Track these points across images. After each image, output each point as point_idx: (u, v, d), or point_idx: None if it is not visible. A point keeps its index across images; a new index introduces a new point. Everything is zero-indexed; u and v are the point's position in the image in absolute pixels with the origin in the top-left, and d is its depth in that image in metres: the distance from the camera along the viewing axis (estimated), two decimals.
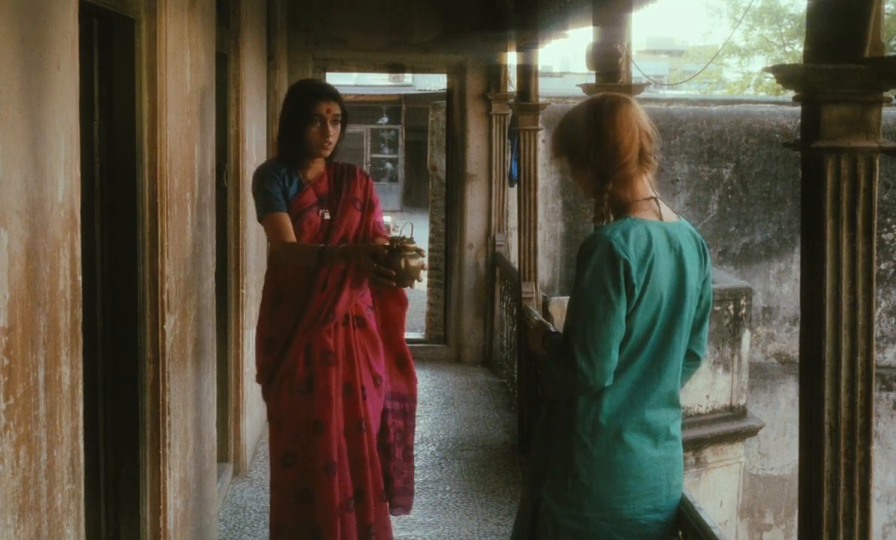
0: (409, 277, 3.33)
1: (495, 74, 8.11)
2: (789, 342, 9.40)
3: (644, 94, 8.85)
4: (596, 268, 2.35)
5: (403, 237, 3.35)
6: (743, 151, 9.38)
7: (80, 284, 2.36)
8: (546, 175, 8.74)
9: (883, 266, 9.29)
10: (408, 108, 26.97)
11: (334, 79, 10.83)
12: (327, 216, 3.65)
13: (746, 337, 7.45)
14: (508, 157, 8.09)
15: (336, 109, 3.61)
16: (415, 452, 4.13)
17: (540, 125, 6.29)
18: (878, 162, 1.89)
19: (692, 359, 2.58)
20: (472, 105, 8.25)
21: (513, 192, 7.90)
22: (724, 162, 9.38)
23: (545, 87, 7.30)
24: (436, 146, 9.18)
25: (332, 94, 3.63)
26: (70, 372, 2.28)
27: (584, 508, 2.45)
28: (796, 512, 2.25)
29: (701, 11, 76.25)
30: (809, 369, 1.94)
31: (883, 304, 9.35)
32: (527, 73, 6.24)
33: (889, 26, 17.36)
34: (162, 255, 3.17)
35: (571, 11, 5.10)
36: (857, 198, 1.88)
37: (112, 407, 3.14)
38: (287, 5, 7.47)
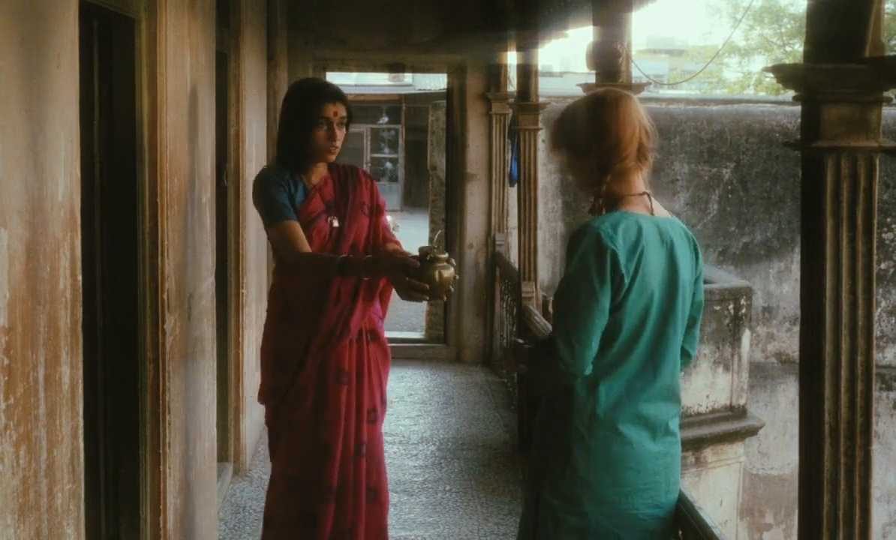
0: (442, 289, 3.08)
1: (495, 74, 8.11)
2: (789, 342, 9.41)
3: (644, 94, 8.84)
4: (582, 257, 2.38)
5: (434, 247, 3.14)
6: (743, 151, 9.39)
7: (80, 283, 2.36)
8: (546, 175, 8.75)
9: (883, 266, 9.30)
10: (408, 108, 26.96)
11: (334, 78, 10.83)
12: (336, 224, 3.44)
13: (746, 337, 7.45)
14: (508, 156, 8.09)
15: (342, 112, 3.40)
16: (415, 452, 4.11)
17: (540, 125, 6.29)
18: (878, 162, 1.90)
19: (683, 355, 2.60)
20: (472, 105, 8.25)
21: (513, 192, 7.90)
22: (724, 162, 9.38)
23: (545, 87, 7.30)
24: (436, 146, 9.19)
25: (338, 95, 3.41)
26: (70, 372, 2.27)
27: (583, 503, 2.47)
28: (796, 512, 2.25)
29: (701, 11, 76.42)
30: (809, 369, 1.94)
31: (883, 303, 9.36)
32: (527, 73, 6.25)
33: (889, 26, 17.36)
34: (162, 256, 3.17)
35: (571, 11, 5.11)
36: (857, 198, 1.88)
37: (112, 407, 3.14)
38: (287, 5, 7.47)
